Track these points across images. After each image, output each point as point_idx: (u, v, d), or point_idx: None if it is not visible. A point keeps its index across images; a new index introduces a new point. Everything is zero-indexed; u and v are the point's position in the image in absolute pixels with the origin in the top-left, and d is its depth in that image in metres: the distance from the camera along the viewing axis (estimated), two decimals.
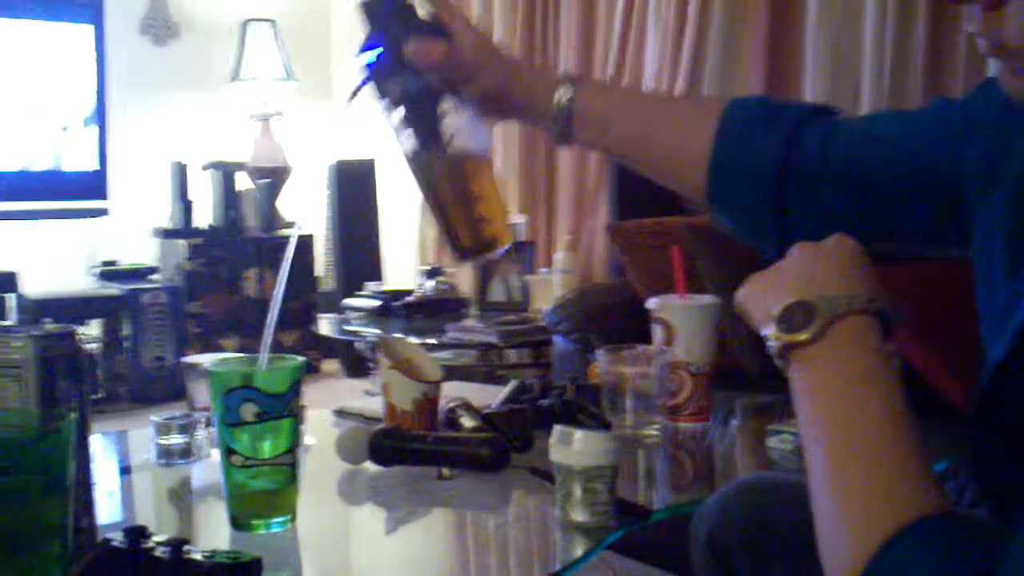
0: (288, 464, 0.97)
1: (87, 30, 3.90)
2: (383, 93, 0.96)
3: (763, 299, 0.73)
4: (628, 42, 3.44)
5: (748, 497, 1.00)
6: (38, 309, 3.77)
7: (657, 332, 1.43)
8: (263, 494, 0.96)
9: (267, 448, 0.95)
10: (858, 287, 0.71)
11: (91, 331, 4.05)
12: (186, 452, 1.31)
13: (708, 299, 1.44)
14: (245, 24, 4.51)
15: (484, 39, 0.98)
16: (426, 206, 1.00)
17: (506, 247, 0.99)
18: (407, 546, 1.07)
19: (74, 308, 3.90)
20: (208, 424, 1.34)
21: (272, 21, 4.54)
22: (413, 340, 3.13)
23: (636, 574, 1.89)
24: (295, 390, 0.96)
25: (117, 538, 0.79)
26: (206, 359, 1.43)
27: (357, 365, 4.20)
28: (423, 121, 0.96)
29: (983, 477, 0.74)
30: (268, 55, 4.52)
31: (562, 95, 0.97)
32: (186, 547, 0.77)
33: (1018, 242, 0.73)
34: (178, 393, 3.98)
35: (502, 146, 3.97)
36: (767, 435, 1.29)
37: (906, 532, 0.59)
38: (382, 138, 4.66)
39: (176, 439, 1.32)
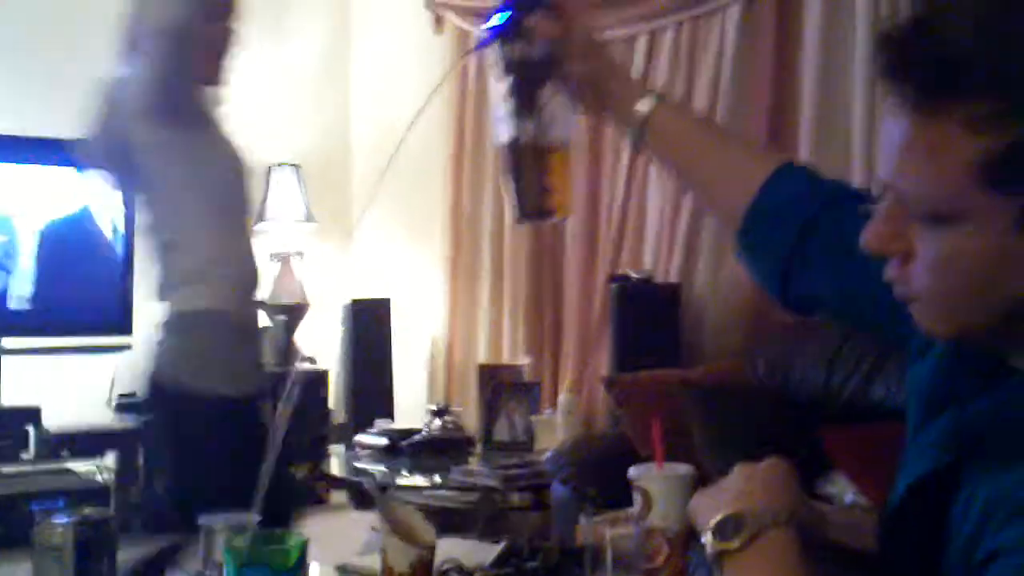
0: None
1: None
2: (500, 55, 1.09)
3: (705, 509, 0.87)
4: (631, 198, 3.63)
5: None
6: (58, 443, 3.89)
7: (637, 499, 1.53)
8: None
9: None
10: (782, 504, 0.83)
11: (107, 463, 4.16)
12: None
13: (684, 468, 1.55)
14: (270, 168, 4.74)
15: (595, 31, 1.11)
16: (504, 155, 1.13)
17: (565, 217, 1.13)
18: None
19: (91, 441, 4.02)
20: None
21: (296, 165, 4.77)
22: (419, 481, 3.24)
23: None
24: (300, 563, 1.08)
25: None
26: (221, 519, 1.55)
27: (365, 499, 4.28)
28: (526, 88, 1.09)
29: None
30: (291, 197, 4.74)
31: (644, 105, 1.08)
32: None
33: (926, 405, 0.85)
34: (189, 528, 4.05)
35: (510, 292, 4.14)
36: None
37: None
38: (398, 279, 4.85)
39: None
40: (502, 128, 1.11)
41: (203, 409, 2.18)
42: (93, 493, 3.95)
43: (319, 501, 4.50)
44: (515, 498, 3.26)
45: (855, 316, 1.03)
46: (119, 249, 4.14)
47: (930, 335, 0.81)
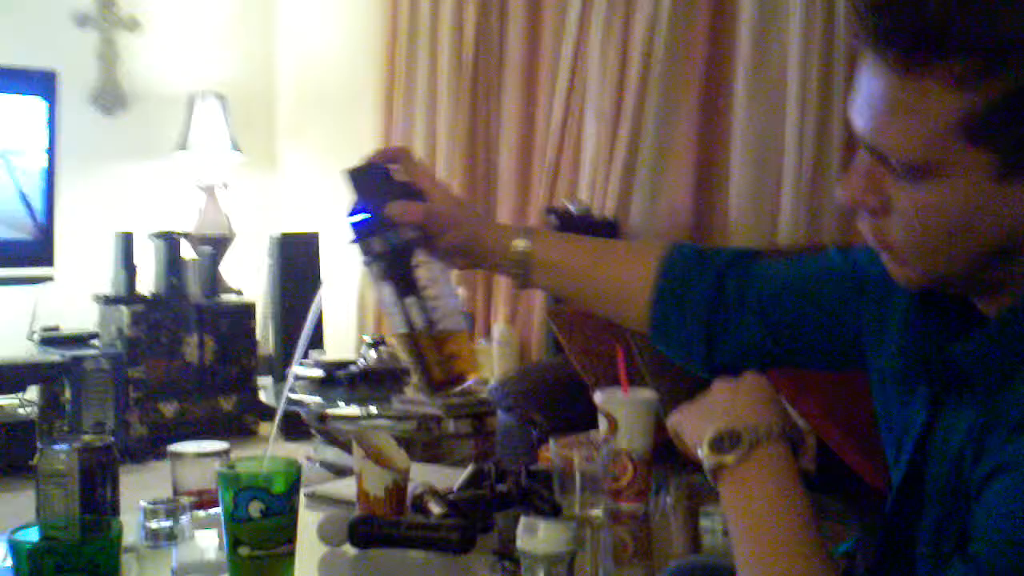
0: (287, 553, 1.10)
1: (39, 102, 3.99)
2: (367, 249, 1.08)
3: (695, 425, 0.89)
4: (566, 130, 3.65)
5: None
6: None
7: (602, 422, 1.59)
8: None
9: (270, 540, 1.08)
10: (772, 417, 0.87)
11: (29, 396, 4.08)
12: (171, 535, 1.42)
13: (648, 394, 1.61)
14: (193, 97, 4.63)
15: (454, 198, 1.12)
16: (400, 343, 1.13)
17: (473, 379, 1.13)
18: None
19: (14, 374, 3.93)
20: (191, 508, 1.45)
21: (220, 95, 4.66)
22: (355, 411, 3.26)
23: None
24: (295, 489, 1.10)
25: None
26: (188, 447, 1.56)
27: (296, 430, 4.28)
28: (401, 272, 1.09)
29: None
30: (215, 127, 4.63)
31: (519, 245, 1.11)
32: None
33: (906, 377, 0.90)
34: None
35: None
36: (700, 516, 1.45)
37: None
38: (326, 212, 4.80)
39: (163, 523, 1.43)
40: (393, 317, 1.10)
41: None
42: (17, 427, 3.88)
43: (248, 432, 4.49)
44: (451, 426, 3.31)
45: (792, 354, 1.05)
46: (41, 179, 4.01)
47: (901, 284, 0.85)
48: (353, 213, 1.09)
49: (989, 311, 0.82)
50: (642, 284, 1.10)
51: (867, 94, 0.77)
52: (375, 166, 1.12)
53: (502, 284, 3.91)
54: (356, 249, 1.10)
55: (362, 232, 1.09)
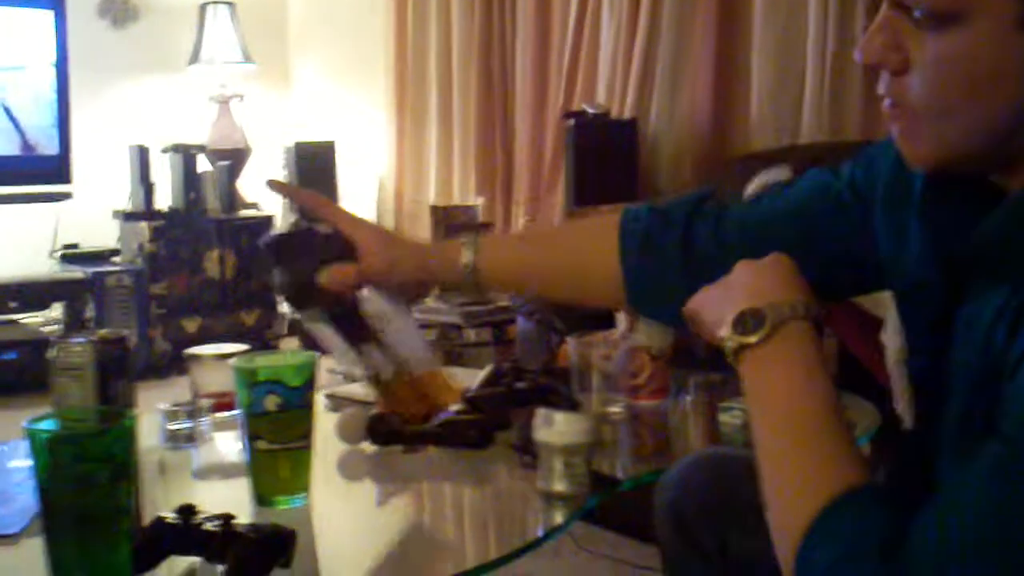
0: (305, 447, 1.10)
1: (47, 15, 3.93)
2: (310, 318, 1.05)
3: (716, 307, 0.86)
4: (583, 33, 3.57)
5: (705, 469, 1.13)
6: (2, 295, 3.82)
7: (621, 320, 1.58)
8: (285, 474, 1.09)
9: (287, 434, 1.08)
10: (797, 296, 0.83)
11: (53, 314, 4.11)
12: (191, 437, 1.43)
13: None
14: (203, 7, 4.55)
15: (387, 239, 1.07)
16: (371, 388, 1.10)
17: (451, 410, 1.10)
18: (404, 516, 1.21)
19: (38, 292, 3.96)
20: (211, 411, 1.46)
21: (230, 4, 4.59)
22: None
23: (604, 541, 2.05)
24: (311, 383, 1.09)
25: (169, 515, 0.92)
26: (207, 350, 1.56)
27: (315, 343, 4.31)
28: (353, 324, 1.06)
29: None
30: (226, 38, 4.57)
31: (465, 258, 1.08)
32: (233, 521, 0.90)
33: (928, 276, 0.84)
34: (141, 375, 4.03)
35: (460, 130, 4.09)
36: (720, 411, 1.44)
37: (838, 501, 0.72)
38: (342, 121, 4.75)
39: (183, 425, 1.43)
40: (356, 366, 1.09)
41: None
42: (42, 345, 3.91)
43: (270, 347, 4.52)
44: (472, 334, 3.31)
45: None
46: (53, 94, 3.98)
47: (915, 165, 0.80)
48: (284, 289, 1.04)
49: (1011, 187, 0.77)
50: (604, 258, 1.07)
51: None
52: (295, 232, 1.07)
53: (521, 184, 3.87)
54: (299, 316, 1.06)
55: (299, 303, 1.04)
